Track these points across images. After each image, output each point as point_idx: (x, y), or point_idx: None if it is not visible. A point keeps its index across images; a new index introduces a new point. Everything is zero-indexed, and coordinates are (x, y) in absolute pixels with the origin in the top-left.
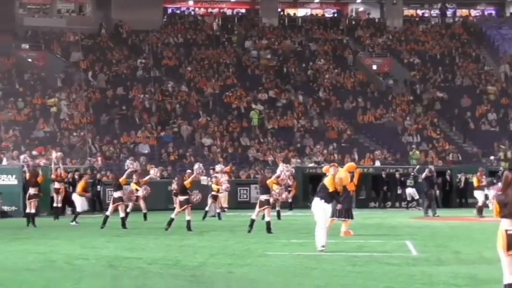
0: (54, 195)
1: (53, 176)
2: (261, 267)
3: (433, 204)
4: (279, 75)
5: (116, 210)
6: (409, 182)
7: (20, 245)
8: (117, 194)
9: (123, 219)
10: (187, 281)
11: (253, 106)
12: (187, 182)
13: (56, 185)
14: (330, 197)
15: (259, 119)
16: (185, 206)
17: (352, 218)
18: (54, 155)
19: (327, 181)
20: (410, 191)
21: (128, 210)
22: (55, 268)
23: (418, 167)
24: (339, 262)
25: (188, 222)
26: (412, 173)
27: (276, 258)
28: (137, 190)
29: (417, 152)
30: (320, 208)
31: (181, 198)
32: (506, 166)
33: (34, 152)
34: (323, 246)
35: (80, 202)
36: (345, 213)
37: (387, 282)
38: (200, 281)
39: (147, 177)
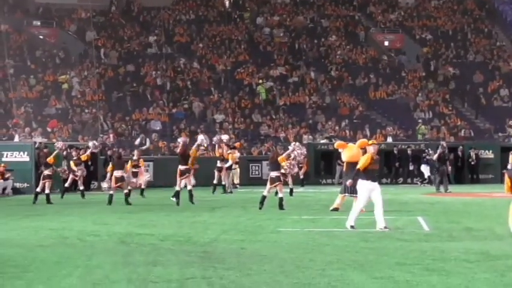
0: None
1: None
2: (273, 244)
3: (445, 181)
4: (291, 51)
5: (119, 188)
6: (423, 158)
7: (32, 222)
8: (118, 173)
9: (126, 195)
10: (199, 257)
11: (260, 81)
12: (192, 152)
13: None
14: (366, 175)
15: (267, 94)
16: (185, 175)
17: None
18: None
19: (360, 159)
20: (424, 168)
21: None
22: (67, 244)
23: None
24: (351, 238)
25: (190, 191)
26: (426, 151)
27: (287, 234)
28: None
29: (423, 127)
30: (368, 189)
31: (182, 167)
32: None
33: (48, 129)
34: (385, 227)
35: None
36: (356, 190)
37: (399, 258)
38: (212, 257)
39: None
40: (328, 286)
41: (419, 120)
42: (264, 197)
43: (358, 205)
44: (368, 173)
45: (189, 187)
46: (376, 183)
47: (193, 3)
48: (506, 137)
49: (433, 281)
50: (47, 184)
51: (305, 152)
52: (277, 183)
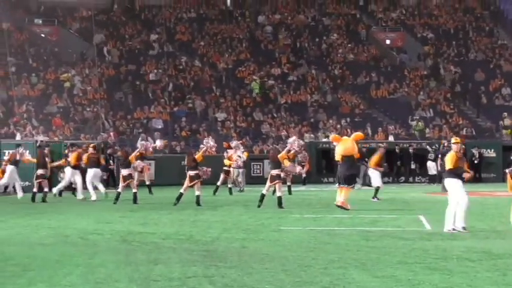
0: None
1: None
2: (275, 242)
3: None
4: (292, 50)
5: (127, 186)
6: (429, 155)
7: (33, 220)
8: (126, 172)
9: (135, 195)
10: (201, 256)
11: (254, 77)
12: (198, 156)
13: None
14: (455, 174)
15: (261, 89)
16: (195, 181)
17: (351, 185)
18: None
19: (446, 158)
20: (430, 165)
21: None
22: (68, 243)
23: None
24: (352, 237)
25: (197, 197)
26: (433, 147)
27: (289, 233)
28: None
29: (420, 124)
30: (455, 186)
31: (191, 173)
32: (508, 133)
33: (54, 128)
34: (464, 228)
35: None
36: (346, 180)
37: (401, 257)
38: (213, 256)
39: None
40: (330, 285)
41: (416, 117)
42: (263, 195)
43: (450, 205)
44: (456, 171)
45: (197, 192)
46: (461, 181)
47: (195, 2)
48: (500, 128)
49: (435, 280)
50: (41, 183)
51: (302, 143)
52: (276, 181)
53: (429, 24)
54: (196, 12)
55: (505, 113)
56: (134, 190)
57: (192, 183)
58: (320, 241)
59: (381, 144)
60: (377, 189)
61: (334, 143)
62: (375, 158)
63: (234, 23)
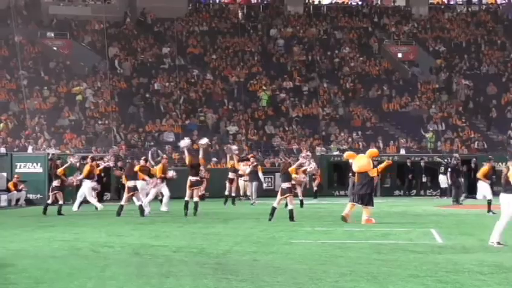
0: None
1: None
2: (286, 255)
3: (460, 192)
4: (304, 63)
5: (130, 199)
6: (441, 169)
7: (45, 233)
8: (131, 184)
9: (141, 207)
10: (212, 269)
11: (264, 88)
12: (200, 158)
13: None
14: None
15: (269, 100)
16: (194, 187)
17: (372, 205)
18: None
19: (510, 174)
20: (441, 178)
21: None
22: (80, 256)
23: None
24: (364, 250)
25: (195, 203)
26: (445, 160)
27: (300, 246)
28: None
29: (435, 136)
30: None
31: (192, 178)
32: None
33: (66, 141)
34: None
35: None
36: (364, 199)
37: (412, 270)
38: (225, 269)
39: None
40: None
41: (430, 129)
42: (274, 209)
43: (502, 220)
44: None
45: (195, 199)
46: None
47: (207, 15)
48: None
49: None
50: (57, 195)
51: (315, 165)
52: (287, 194)
53: (441, 37)
54: (208, 25)
55: None
56: (138, 202)
57: (192, 189)
58: (331, 254)
59: (490, 157)
60: (489, 202)
61: (349, 160)
62: (483, 170)
63: (246, 37)
